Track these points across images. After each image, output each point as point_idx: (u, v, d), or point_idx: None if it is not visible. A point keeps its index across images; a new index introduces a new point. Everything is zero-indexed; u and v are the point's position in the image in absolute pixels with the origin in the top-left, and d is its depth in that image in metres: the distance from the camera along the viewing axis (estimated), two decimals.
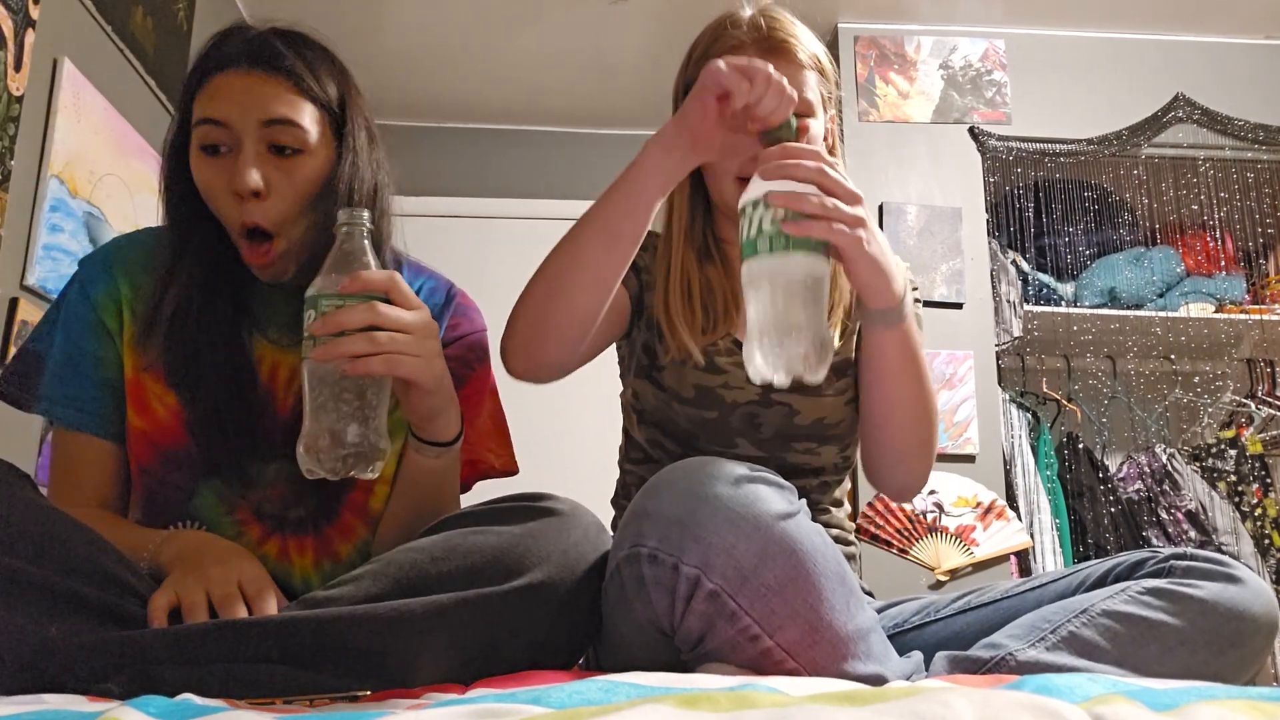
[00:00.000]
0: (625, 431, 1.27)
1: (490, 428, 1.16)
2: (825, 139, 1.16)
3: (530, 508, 0.91)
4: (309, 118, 1.03)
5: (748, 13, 1.15)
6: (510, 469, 1.17)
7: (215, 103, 1.02)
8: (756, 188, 0.88)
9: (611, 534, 0.95)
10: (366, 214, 0.91)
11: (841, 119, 1.23)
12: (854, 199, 0.88)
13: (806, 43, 1.14)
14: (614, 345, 1.28)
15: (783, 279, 0.85)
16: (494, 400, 1.18)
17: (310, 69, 1.05)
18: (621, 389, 1.28)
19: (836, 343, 1.14)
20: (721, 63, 0.92)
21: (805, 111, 1.12)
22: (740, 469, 0.84)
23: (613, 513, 1.25)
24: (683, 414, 1.14)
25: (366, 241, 0.90)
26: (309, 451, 0.85)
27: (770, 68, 0.91)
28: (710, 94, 0.93)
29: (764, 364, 0.84)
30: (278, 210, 1.01)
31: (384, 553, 0.96)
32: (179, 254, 1.07)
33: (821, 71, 1.15)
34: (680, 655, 0.85)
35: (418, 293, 1.15)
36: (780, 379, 0.84)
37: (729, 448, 1.14)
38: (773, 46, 1.11)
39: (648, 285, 1.20)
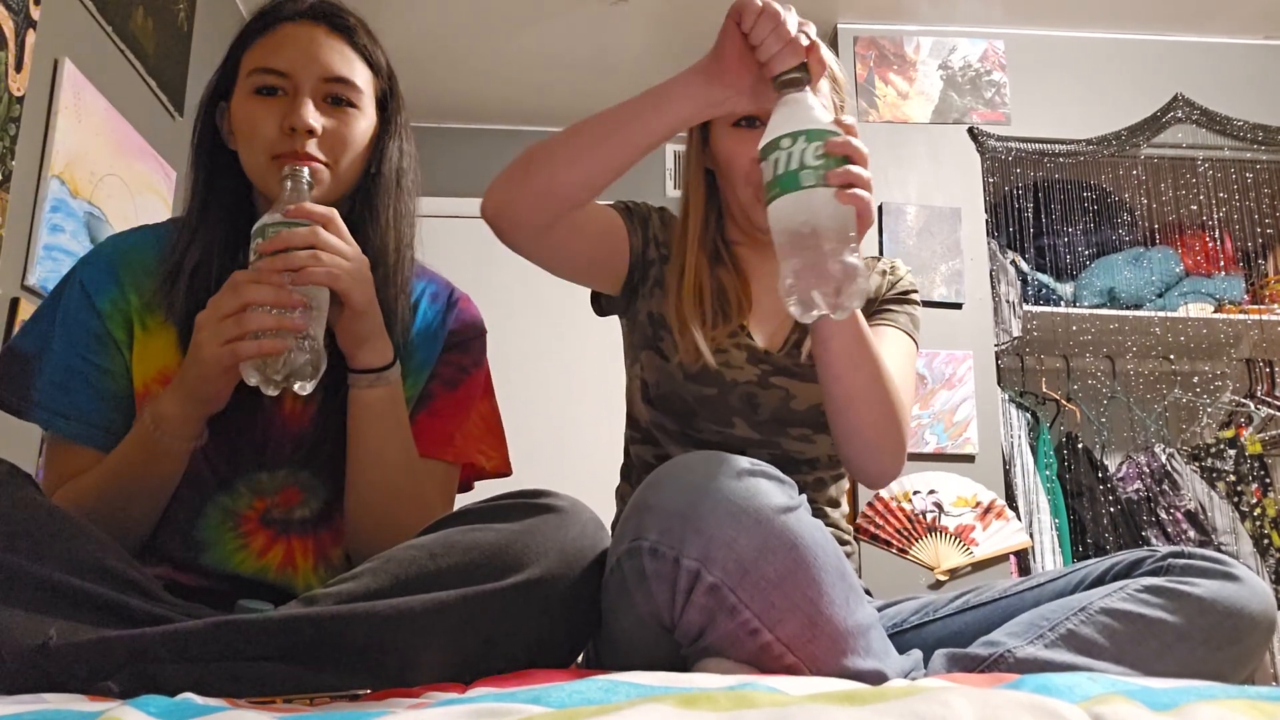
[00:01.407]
0: (629, 414, 1.28)
1: (483, 429, 1.17)
2: None
3: (529, 504, 0.91)
4: (363, 78, 1.09)
5: None
6: (502, 470, 1.18)
7: (278, 53, 1.05)
8: (793, 122, 0.90)
9: (613, 525, 0.96)
10: (306, 169, 0.99)
11: None
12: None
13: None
14: (620, 334, 1.29)
15: (829, 209, 0.87)
16: (487, 402, 1.19)
17: (366, 31, 1.11)
18: (627, 379, 1.29)
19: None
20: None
21: None
22: (742, 463, 0.84)
23: (616, 506, 1.26)
24: (686, 388, 1.15)
25: (307, 190, 0.99)
26: (249, 374, 0.92)
27: (785, 11, 0.93)
28: (733, 24, 0.95)
29: (807, 297, 0.86)
30: (328, 150, 1.05)
31: (352, 514, 1.02)
32: (204, 207, 1.08)
33: (834, 80, 1.17)
34: (680, 650, 0.86)
35: (420, 296, 1.16)
36: (817, 310, 0.87)
37: (726, 427, 1.15)
38: None
39: (664, 258, 1.21)
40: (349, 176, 1.08)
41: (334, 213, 0.98)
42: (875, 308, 1.24)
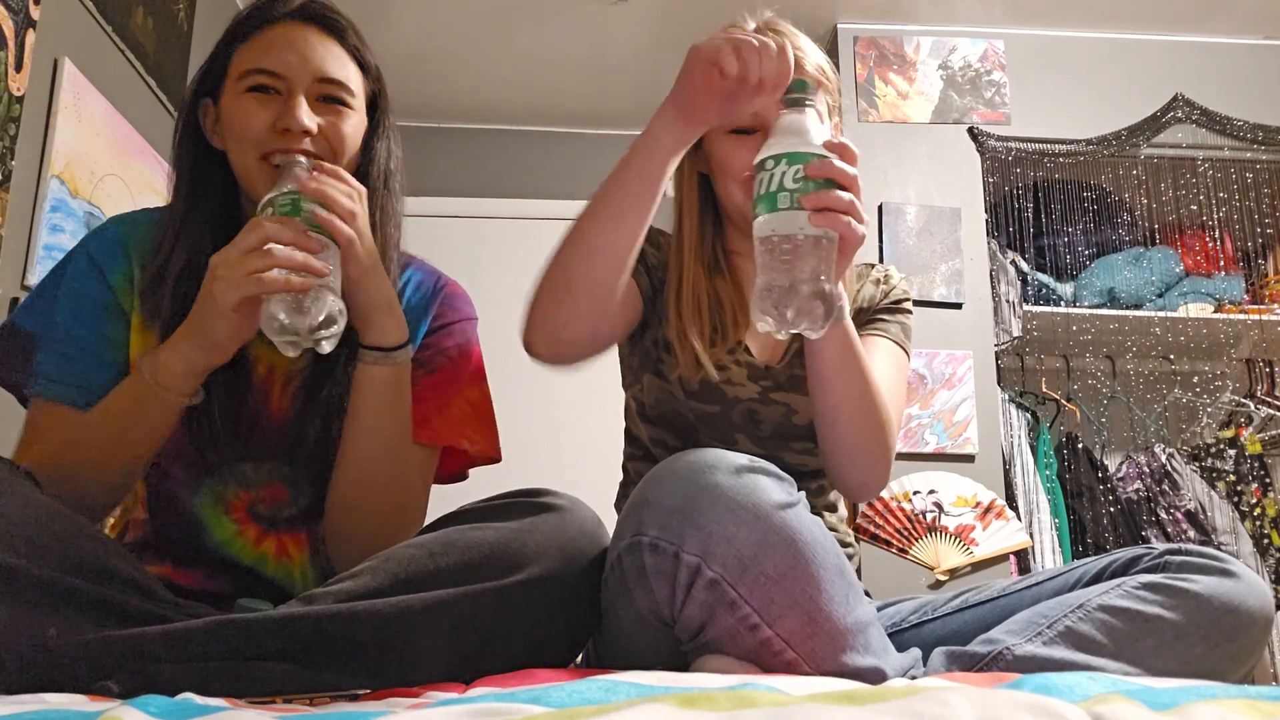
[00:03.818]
0: (628, 431, 1.27)
1: (469, 414, 1.15)
2: None
3: (528, 503, 0.91)
4: (355, 79, 1.09)
5: (750, 25, 1.15)
6: (489, 454, 1.17)
7: (271, 53, 1.05)
8: (780, 144, 0.90)
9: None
10: (305, 159, 1.00)
11: (843, 126, 1.24)
12: (862, 203, 0.91)
13: (810, 54, 1.15)
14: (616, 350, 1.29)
15: (802, 233, 0.87)
16: (476, 389, 1.17)
17: (356, 34, 1.11)
18: (625, 399, 1.28)
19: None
20: (715, 39, 0.94)
21: None
22: (740, 459, 0.85)
23: (615, 516, 1.25)
24: (687, 406, 1.15)
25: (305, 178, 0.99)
26: (274, 322, 0.91)
27: (759, 40, 0.92)
28: (699, 68, 0.94)
29: (774, 315, 0.87)
30: (324, 149, 1.05)
31: (338, 491, 1.02)
32: (190, 207, 1.08)
33: (825, 82, 1.16)
34: (680, 646, 0.86)
35: (406, 284, 1.17)
36: (786, 331, 0.87)
37: (729, 444, 1.15)
38: None
39: (661, 284, 1.20)
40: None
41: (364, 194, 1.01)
42: (868, 317, 1.23)
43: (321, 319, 0.91)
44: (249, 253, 0.90)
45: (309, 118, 1.03)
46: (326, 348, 0.93)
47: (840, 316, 1.02)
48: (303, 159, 1.00)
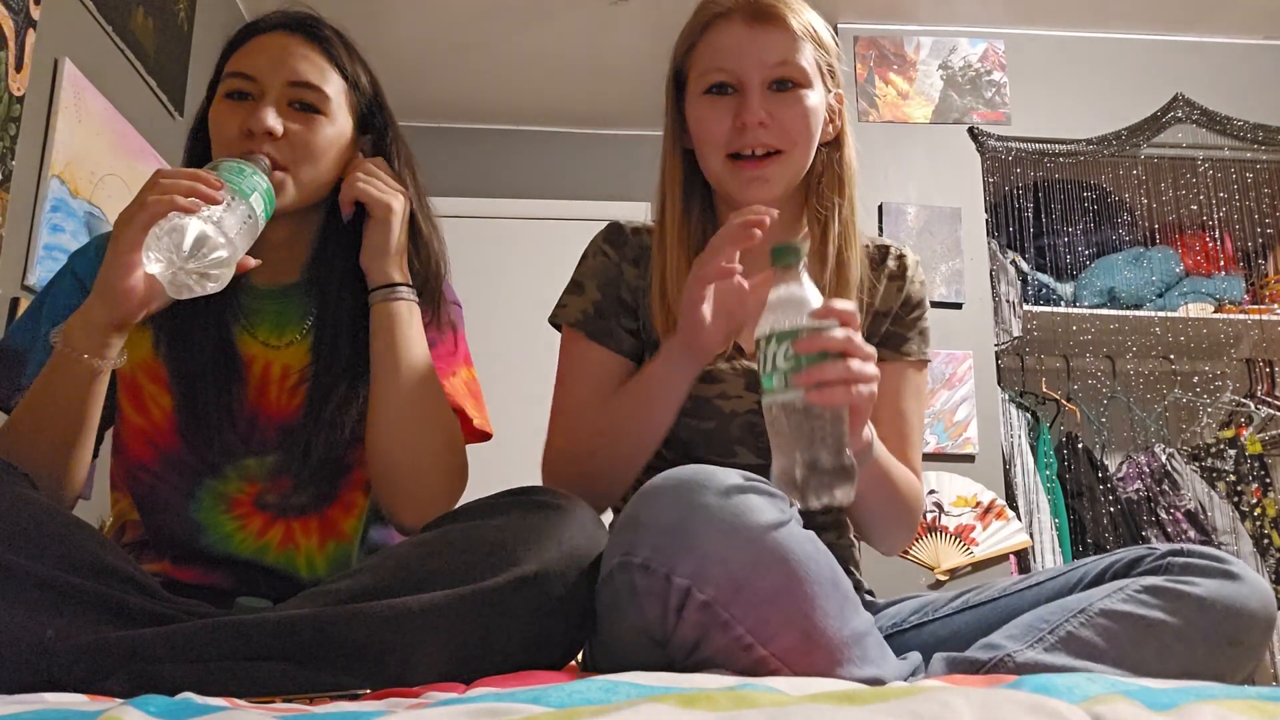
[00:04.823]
0: None
1: (465, 392, 1.17)
2: (829, 116, 1.15)
3: (527, 501, 0.91)
4: (334, 87, 1.09)
5: None
6: (485, 429, 1.19)
7: (248, 58, 1.07)
8: (769, 322, 0.86)
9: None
10: (264, 159, 1.02)
11: (844, 98, 1.21)
12: (869, 357, 0.87)
13: (800, 11, 1.11)
14: None
15: (807, 413, 0.84)
16: (467, 370, 1.20)
17: (345, 45, 1.11)
18: None
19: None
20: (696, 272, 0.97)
21: (800, 81, 1.09)
22: (731, 478, 0.82)
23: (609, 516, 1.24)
24: (682, 425, 1.11)
25: (264, 175, 1.01)
26: (149, 253, 0.91)
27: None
28: (698, 304, 0.97)
29: (792, 495, 0.85)
30: (289, 153, 1.05)
31: (379, 428, 1.05)
32: None
33: (819, 43, 1.12)
34: (674, 664, 0.85)
35: None
36: (809, 505, 0.84)
37: (728, 457, 1.12)
38: (759, 13, 1.09)
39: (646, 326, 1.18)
40: (315, 183, 1.07)
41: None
42: (886, 326, 1.18)
43: (197, 248, 0.91)
44: (144, 193, 0.92)
45: (272, 119, 1.03)
46: (211, 287, 0.93)
47: (868, 459, 1.00)
48: (264, 158, 1.02)
